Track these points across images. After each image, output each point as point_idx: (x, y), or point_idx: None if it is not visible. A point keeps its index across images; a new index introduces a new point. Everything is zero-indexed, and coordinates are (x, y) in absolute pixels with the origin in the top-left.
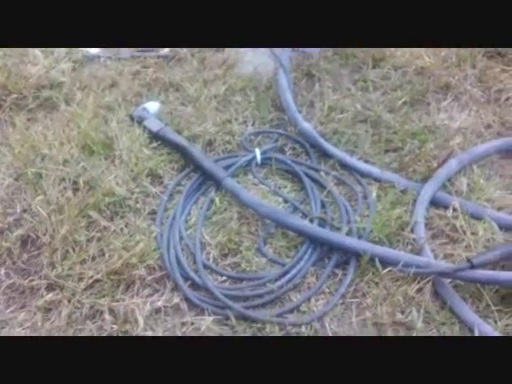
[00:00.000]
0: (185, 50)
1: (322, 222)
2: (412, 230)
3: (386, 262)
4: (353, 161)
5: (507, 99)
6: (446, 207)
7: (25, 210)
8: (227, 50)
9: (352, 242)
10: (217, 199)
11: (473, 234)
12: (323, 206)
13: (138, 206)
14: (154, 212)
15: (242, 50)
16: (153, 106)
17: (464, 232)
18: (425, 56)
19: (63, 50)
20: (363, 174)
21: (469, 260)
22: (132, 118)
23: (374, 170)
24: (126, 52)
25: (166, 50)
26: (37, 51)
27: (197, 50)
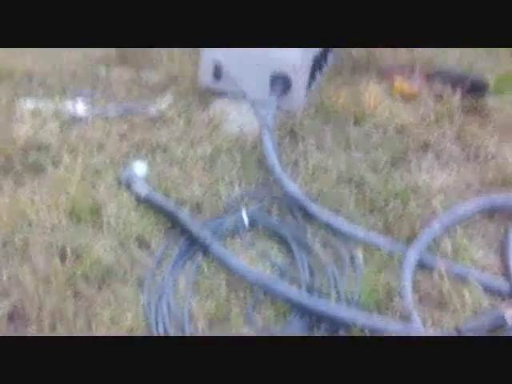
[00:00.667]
0: (172, 110)
1: (311, 288)
2: (400, 296)
3: (376, 332)
4: (338, 222)
5: (486, 156)
6: (431, 269)
7: (10, 278)
8: (212, 109)
9: (341, 312)
10: (204, 265)
11: (459, 297)
12: (311, 269)
13: (126, 274)
14: (141, 279)
15: (228, 108)
16: (140, 168)
17: (450, 296)
18: (404, 114)
19: (51, 109)
20: (349, 236)
21: (457, 329)
22: (120, 181)
23: (360, 232)
24: (113, 111)
25: (152, 110)
26: (24, 111)
27: (183, 109)
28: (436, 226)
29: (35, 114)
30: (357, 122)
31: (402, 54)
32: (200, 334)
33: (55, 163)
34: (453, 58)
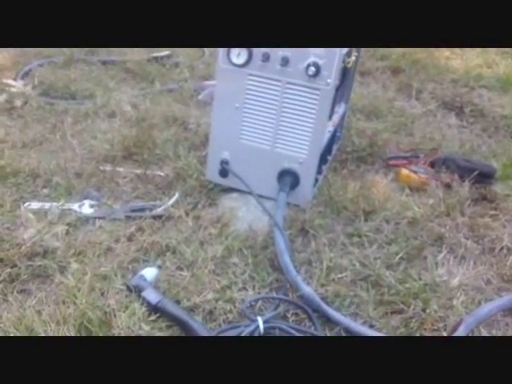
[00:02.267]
0: (180, 208)
1: None
2: None
3: None
4: (358, 327)
5: (501, 249)
6: None
7: None
8: (221, 206)
9: None
10: None
11: None
12: None
13: None
14: None
15: (235, 205)
16: (150, 273)
17: None
18: (414, 206)
19: (56, 212)
20: None
21: None
22: (129, 288)
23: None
24: (120, 212)
25: (160, 210)
26: (29, 214)
27: (190, 207)
28: (461, 330)
29: (40, 216)
30: (367, 217)
31: (404, 140)
32: None
33: (62, 270)
34: (454, 141)
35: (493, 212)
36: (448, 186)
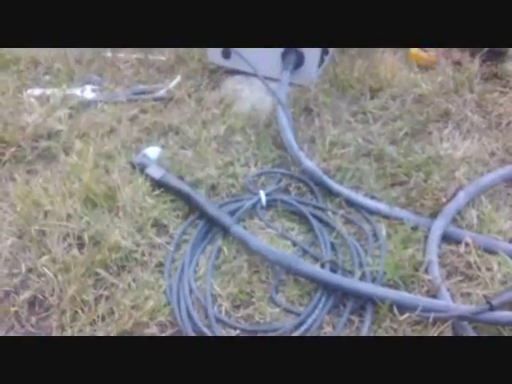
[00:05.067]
0: (182, 90)
1: (334, 266)
2: (426, 270)
3: (403, 308)
4: (359, 198)
5: (508, 124)
6: (458, 242)
7: (30, 270)
8: (223, 88)
9: (367, 287)
10: (225, 248)
11: (488, 269)
12: (333, 248)
13: (145, 258)
14: (161, 264)
15: (239, 87)
16: (153, 152)
17: (479, 268)
18: (422, 83)
19: (59, 96)
20: (371, 211)
21: (488, 302)
22: (133, 166)
23: (383, 207)
24: (122, 95)
25: (162, 92)
26: (32, 99)
27: (193, 89)
28: (461, 197)
29: (43, 101)
30: (373, 95)
31: None
32: (224, 316)
33: (66, 150)
34: None
35: (502, 89)
36: (458, 64)
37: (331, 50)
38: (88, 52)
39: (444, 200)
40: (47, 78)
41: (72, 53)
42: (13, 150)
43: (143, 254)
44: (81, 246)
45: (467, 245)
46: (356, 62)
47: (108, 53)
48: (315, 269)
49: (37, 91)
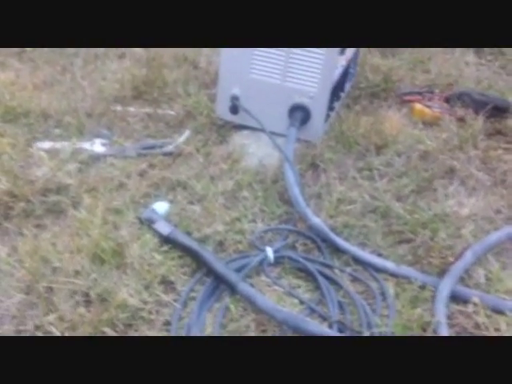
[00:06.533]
0: (190, 145)
1: (342, 327)
2: (435, 331)
3: None
4: (367, 255)
5: None
6: (465, 302)
7: (37, 327)
8: (231, 143)
9: None
10: (232, 306)
11: (496, 330)
12: (341, 307)
13: (152, 317)
14: (168, 322)
15: (246, 142)
16: (161, 207)
17: (487, 328)
18: (426, 140)
19: (68, 150)
20: (378, 269)
21: None
22: (141, 221)
23: (390, 265)
24: (131, 150)
25: (171, 147)
26: (41, 152)
27: (201, 144)
28: (468, 256)
29: (53, 155)
30: (379, 151)
31: (419, 77)
32: None
33: (75, 205)
34: (471, 78)
35: (506, 145)
36: (462, 121)
37: (337, 105)
38: (98, 106)
39: (451, 259)
40: (57, 131)
41: (82, 106)
42: (22, 204)
43: (150, 313)
44: (88, 303)
45: (475, 305)
46: (361, 118)
47: (118, 107)
48: (323, 330)
49: (46, 144)
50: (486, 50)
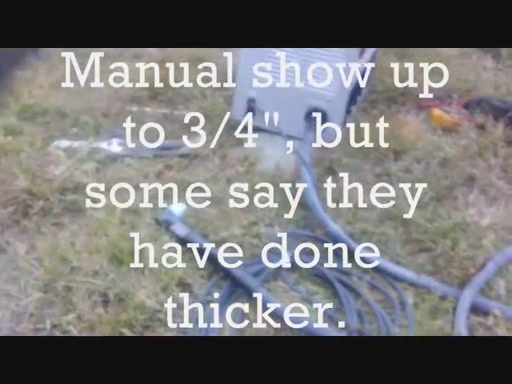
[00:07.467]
0: (207, 148)
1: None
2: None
3: None
4: (386, 264)
5: None
6: (485, 313)
7: (55, 326)
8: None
9: None
10: (250, 310)
11: None
12: (359, 314)
13: (169, 319)
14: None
15: (263, 144)
16: (178, 209)
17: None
18: (445, 146)
19: (86, 149)
20: (397, 278)
21: None
22: (158, 222)
23: (409, 274)
24: (147, 151)
25: (187, 148)
26: (59, 151)
27: (217, 146)
28: (490, 268)
29: (70, 154)
30: (397, 157)
31: (437, 81)
32: None
33: (93, 204)
34: (488, 83)
35: None
36: (481, 127)
37: (354, 109)
38: (114, 106)
39: (472, 270)
40: (74, 130)
41: (98, 106)
42: (40, 202)
43: (167, 315)
44: (106, 303)
45: (495, 317)
46: (379, 123)
47: (134, 107)
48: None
49: (64, 143)
50: (504, 54)
